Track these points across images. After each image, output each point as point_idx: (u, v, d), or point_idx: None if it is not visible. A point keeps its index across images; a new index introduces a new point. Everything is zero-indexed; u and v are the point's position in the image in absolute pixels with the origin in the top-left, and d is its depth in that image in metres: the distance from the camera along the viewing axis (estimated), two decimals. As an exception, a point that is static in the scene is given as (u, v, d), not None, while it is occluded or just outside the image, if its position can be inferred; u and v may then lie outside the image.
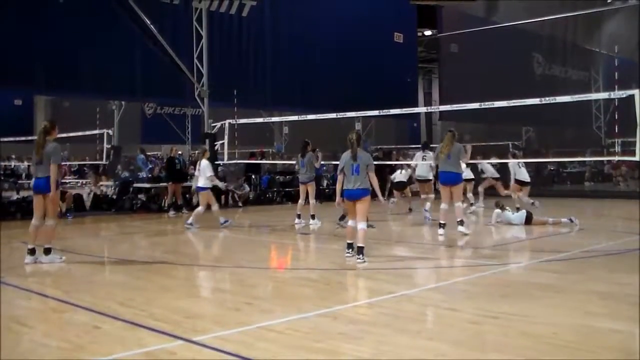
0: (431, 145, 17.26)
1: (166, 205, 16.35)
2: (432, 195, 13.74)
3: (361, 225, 8.28)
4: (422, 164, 13.77)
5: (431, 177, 13.77)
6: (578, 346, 4.46)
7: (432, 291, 6.44)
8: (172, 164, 16.46)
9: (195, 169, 19.59)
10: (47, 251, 8.41)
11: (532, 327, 4.93)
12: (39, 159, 8.32)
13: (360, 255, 8.18)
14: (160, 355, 4.35)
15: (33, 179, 8.63)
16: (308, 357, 4.28)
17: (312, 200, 13.14)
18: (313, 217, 12.86)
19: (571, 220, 12.21)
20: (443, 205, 10.82)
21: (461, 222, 10.69)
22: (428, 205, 13.44)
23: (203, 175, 12.42)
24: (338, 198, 8.67)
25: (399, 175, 15.87)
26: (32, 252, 8.36)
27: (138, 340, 4.72)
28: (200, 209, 12.67)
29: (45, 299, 6.22)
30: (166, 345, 4.57)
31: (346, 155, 8.46)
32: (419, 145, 17.35)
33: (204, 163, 12.56)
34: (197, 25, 18.42)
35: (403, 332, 4.88)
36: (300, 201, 13.39)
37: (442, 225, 10.74)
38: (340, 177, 8.52)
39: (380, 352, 4.36)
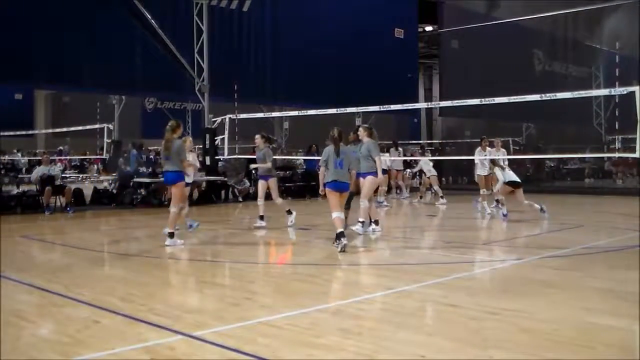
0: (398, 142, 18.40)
1: (166, 199, 16.32)
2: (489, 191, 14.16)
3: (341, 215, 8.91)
4: (481, 159, 14.02)
5: (486, 173, 14.17)
6: (578, 342, 4.47)
7: (432, 287, 6.44)
8: None
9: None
10: (171, 235, 9.35)
11: (532, 323, 4.93)
12: (167, 154, 9.44)
13: (344, 239, 8.58)
14: (160, 350, 4.35)
15: (163, 172, 9.87)
16: (308, 352, 4.28)
17: (276, 199, 12.06)
18: (289, 212, 12.01)
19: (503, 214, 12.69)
20: (366, 203, 10.46)
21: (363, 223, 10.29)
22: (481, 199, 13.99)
23: None
24: (322, 188, 9.20)
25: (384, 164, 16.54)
26: (171, 235, 9.39)
27: (138, 335, 4.72)
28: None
29: (45, 294, 6.22)
30: (166, 340, 4.57)
31: (329, 149, 9.02)
32: (420, 142, 17.62)
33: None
34: (197, 20, 18.40)
35: (403, 327, 4.88)
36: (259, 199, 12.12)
37: (363, 223, 10.38)
38: (322, 170, 9.12)
39: (380, 348, 4.36)
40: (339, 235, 8.64)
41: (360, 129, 10.75)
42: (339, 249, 8.54)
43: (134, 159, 18.60)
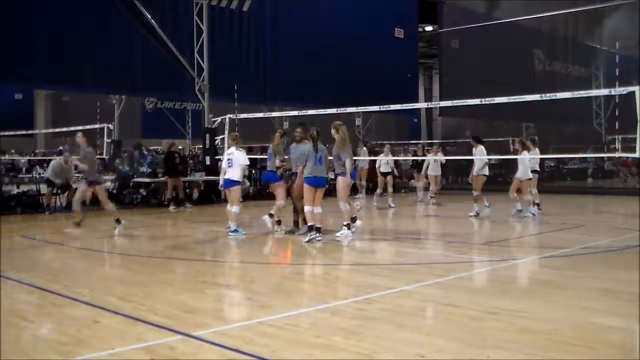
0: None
1: (166, 200, 16.33)
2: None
3: (318, 210, 9.68)
4: (482, 159, 13.23)
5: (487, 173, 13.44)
6: (578, 342, 4.47)
7: (432, 287, 6.44)
8: (172, 158, 16.42)
9: (193, 163, 19.67)
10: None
11: (532, 323, 4.93)
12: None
13: (318, 233, 9.56)
14: (160, 350, 4.35)
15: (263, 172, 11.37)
16: (308, 352, 4.28)
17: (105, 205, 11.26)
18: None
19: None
20: (346, 205, 10.31)
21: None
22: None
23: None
24: (298, 180, 10.11)
25: (385, 165, 16.16)
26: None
27: (138, 335, 4.72)
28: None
29: (45, 294, 6.22)
30: (166, 340, 4.57)
31: (307, 147, 9.79)
32: (420, 141, 17.43)
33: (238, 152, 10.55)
34: (197, 20, 18.39)
35: (402, 327, 4.88)
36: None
37: (348, 225, 10.11)
38: (301, 168, 9.89)
39: (380, 348, 4.36)
40: (311, 228, 9.62)
41: (332, 127, 10.26)
42: (305, 240, 9.50)
43: (136, 159, 18.67)
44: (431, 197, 17.17)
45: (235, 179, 10.30)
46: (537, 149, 13.76)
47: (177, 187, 16.07)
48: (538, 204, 13.48)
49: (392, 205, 15.79)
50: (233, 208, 10.31)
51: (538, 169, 14.11)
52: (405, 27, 24.71)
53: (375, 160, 17.36)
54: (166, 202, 16.24)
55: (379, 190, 16.37)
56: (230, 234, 10.37)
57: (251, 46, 19.91)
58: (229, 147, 10.76)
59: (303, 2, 21.23)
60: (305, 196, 9.77)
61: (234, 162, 10.30)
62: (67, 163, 15.24)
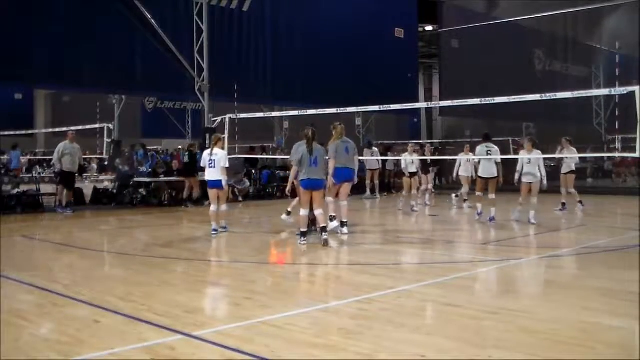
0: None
1: (166, 199, 16.41)
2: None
3: (319, 211, 9.33)
4: (487, 159, 12.23)
5: (497, 174, 12.27)
6: (578, 342, 4.47)
7: (432, 287, 6.44)
8: (194, 157, 16.50)
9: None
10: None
11: (533, 323, 4.93)
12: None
13: (325, 234, 9.20)
14: (160, 350, 4.35)
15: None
16: (308, 352, 4.28)
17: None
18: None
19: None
20: (330, 199, 10.31)
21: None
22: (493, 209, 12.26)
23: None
24: (289, 186, 9.92)
25: (411, 165, 14.96)
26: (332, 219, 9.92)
27: (138, 335, 4.72)
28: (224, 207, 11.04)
29: (45, 293, 6.21)
30: (166, 340, 4.57)
31: (302, 148, 9.38)
32: (420, 141, 16.95)
33: (222, 153, 10.85)
34: (197, 20, 18.40)
35: (403, 327, 4.88)
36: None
37: (334, 218, 10.00)
38: (295, 169, 9.56)
39: (380, 348, 4.36)
40: (303, 234, 9.29)
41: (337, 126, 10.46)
42: (300, 243, 9.23)
43: (140, 158, 18.68)
44: (465, 199, 16.00)
45: (221, 179, 10.57)
46: (572, 148, 14.05)
47: (183, 187, 16.30)
48: (580, 201, 14.58)
49: (416, 209, 14.94)
50: (222, 207, 10.73)
51: (574, 168, 14.75)
52: (405, 27, 24.73)
53: (384, 160, 16.90)
54: (166, 202, 16.30)
55: (405, 192, 15.19)
56: (221, 230, 10.83)
57: (251, 46, 19.92)
58: (212, 148, 10.70)
59: (303, 2, 21.23)
60: (301, 200, 9.62)
61: (217, 162, 10.50)
62: (73, 142, 15.01)
